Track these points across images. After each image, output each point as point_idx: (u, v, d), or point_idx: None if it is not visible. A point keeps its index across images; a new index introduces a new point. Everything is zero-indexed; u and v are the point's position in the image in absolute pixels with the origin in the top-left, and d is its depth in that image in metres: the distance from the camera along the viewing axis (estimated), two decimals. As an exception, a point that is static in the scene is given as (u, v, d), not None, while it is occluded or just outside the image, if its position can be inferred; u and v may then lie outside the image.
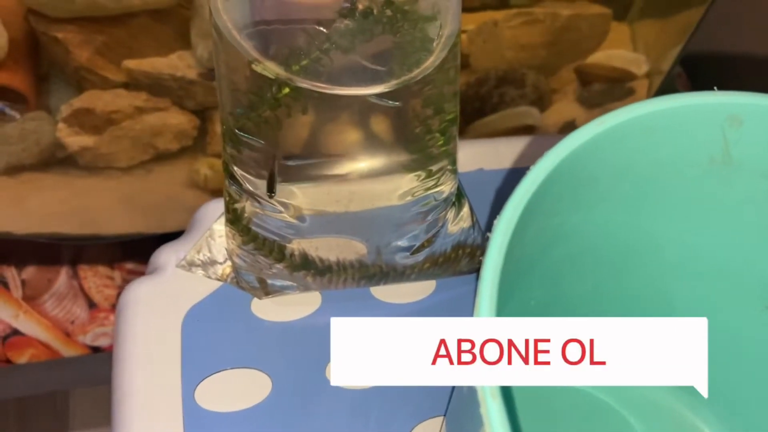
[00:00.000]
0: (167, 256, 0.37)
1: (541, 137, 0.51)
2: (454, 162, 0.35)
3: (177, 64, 0.63)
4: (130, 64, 0.62)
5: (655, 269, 0.33)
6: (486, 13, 0.68)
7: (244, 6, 0.33)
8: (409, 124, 0.34)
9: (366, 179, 0.34)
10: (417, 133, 0.33)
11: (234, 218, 0.35)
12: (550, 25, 0.68)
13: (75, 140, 0.64)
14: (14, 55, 0.62)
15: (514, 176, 0.41)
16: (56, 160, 0.66)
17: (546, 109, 0.72)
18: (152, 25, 0.62)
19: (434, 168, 0.34)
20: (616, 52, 0.74)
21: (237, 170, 0.34)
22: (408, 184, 0.34)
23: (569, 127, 0.73)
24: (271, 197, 0.34)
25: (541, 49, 0.70)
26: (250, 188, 0.34)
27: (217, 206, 0.39)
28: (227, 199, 0.36)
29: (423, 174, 0.34)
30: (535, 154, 0.43)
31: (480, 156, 0.38)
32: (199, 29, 0.62)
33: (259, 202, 0.34)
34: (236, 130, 0.33)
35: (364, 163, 0.34)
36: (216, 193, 0.67)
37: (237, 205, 0.35)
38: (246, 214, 0.35)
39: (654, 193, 0.31)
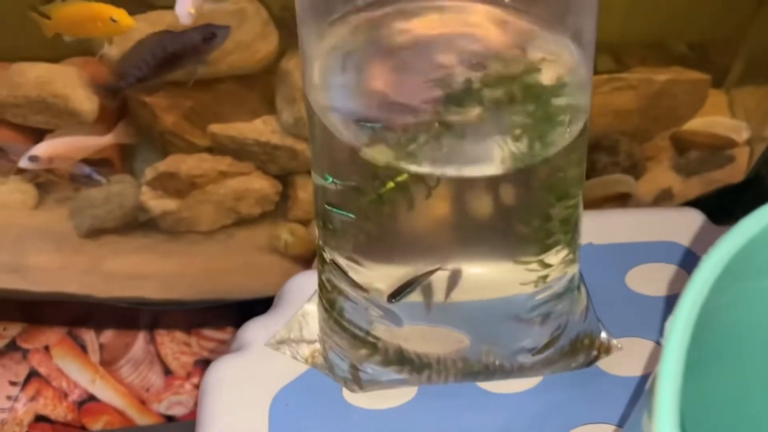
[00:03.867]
0: (254, 333, 0.35)
1: (653, 211, 0.48)
2: (575, 251, 0.33)
3: (261, 129, 0.62)
4: (215, 128, 0.62)
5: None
6: (576, 78, 0.66)
7: (345, 94, 0.31)
8: (527, 211, 0.31)
9: (474, 267, 0.31)
10: (535, 221, 0.31)
11: (328, 305, 0.33)
12: (645, 92, 0.66)
13: (158, 204, 0.64)
14: (103, 119, 0.63)
15: (626, 251, 0.38)
16: (138, 223, 0.66)
17: (640, 177, 0.69)
18: (238, 90, 0.62)
19: (552, 260, 0.31)
20: (715, 119, 0.71)
21: (336, 257, 0.32)
22: (522, 276, 0.31)
23: (665, 195, 0.69)
24: (390, 302, 0.32)
25: (635, 115, 0.67)
26: (353, 277, 0.32)
27: (305, 280, 0.37)
28: (320, 284, 0.34)
29: (539, 266, 0.31)
30: (646, 228, 0.40)
31: (588, 229, 0.36)
32: (284, 95, 0.61)
33: (357, 289, 0.32)
34: (337, 215, 0.31)
35: (473, 252, 0.31)
36: (297, 260, 0.66)
37: (330, 295, 0.33)
38: (337, 304, 0.33)
39: None
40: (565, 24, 0.31)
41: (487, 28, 0.31)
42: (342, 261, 0.32)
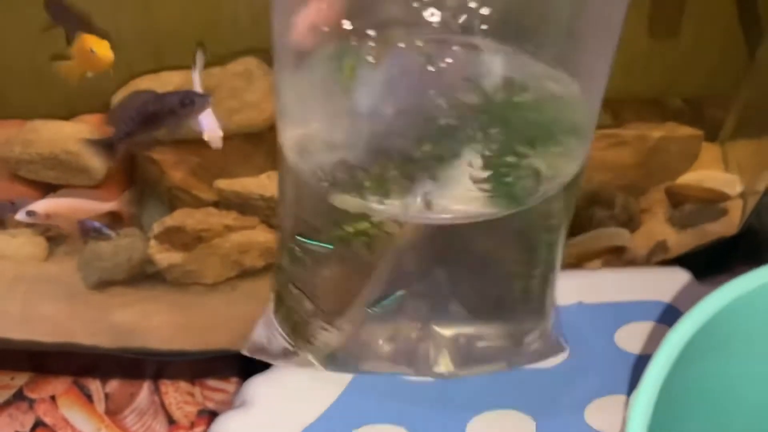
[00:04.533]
0: (257, 389, 0.37)
1: (641, 270, 0.49)
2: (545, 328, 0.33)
3: (266, 184, 0.64)
4: (222, 184, 0.64)
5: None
6: (572, 134, 0.67)
7: (324, 148, 0.31)
8: (500, 263, 0.31)
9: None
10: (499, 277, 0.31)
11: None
12: (639, 147, 0.68)
13: (165, 257, 0.65)
14: (112, 174, 0.65)
15: (614, 311, 0.40)
16: (145, 275, 0.67)
17: (636, 230, 0.71)
18: (245, 146, 0.64)
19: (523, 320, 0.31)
20: (708, 173, 0.72)
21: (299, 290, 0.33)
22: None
23: (660, 248, 0.71)
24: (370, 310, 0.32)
25: (630, 170, 0.69)
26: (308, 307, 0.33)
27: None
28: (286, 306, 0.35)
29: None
30: (635, 288, 0.41)
31: (578, 288, 0.37)
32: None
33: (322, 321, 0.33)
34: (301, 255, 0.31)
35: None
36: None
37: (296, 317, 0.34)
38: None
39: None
40: (569, 62, 0.29)
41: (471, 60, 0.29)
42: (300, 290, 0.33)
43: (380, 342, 0.34)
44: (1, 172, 0.65)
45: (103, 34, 0.55)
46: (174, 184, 0.64)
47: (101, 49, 0.55)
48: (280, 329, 0.36)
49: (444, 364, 0.34)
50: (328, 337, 0.34)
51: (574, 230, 0.69)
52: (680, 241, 0.71)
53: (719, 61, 0.73)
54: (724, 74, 0.73)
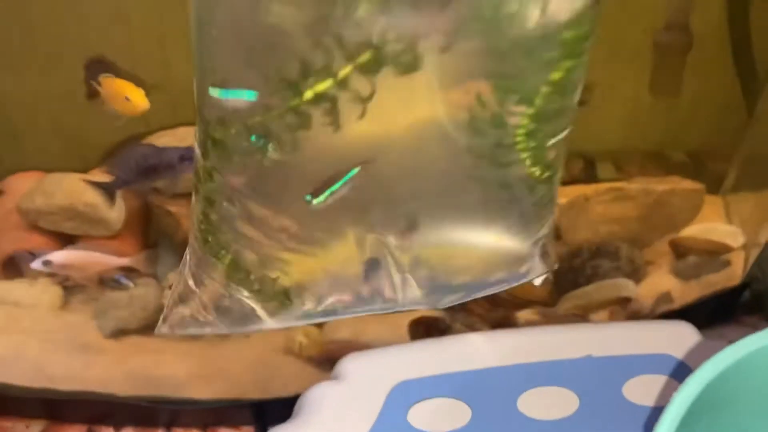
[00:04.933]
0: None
1: (649, 324, 0.51)
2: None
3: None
4: (236, 235, 0.65)
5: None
6: (577, 187, 0.69)
7: None
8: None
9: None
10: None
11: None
12: (643, 201, 0.69)
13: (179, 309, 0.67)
14: (129, 225, 0.66)
15: (622, 364, 0.41)
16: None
17: (641, 281, 0.72)
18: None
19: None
20: (711, 225, 0.74)
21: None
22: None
23: (665, 299, 0.72)
24: (311, 202, 0.30)
25: (634, 223, 0.70)
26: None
27: (326, 390, 0.40)
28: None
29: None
30: (641, 341, 0.43)
31: (587, 342, 0.38)
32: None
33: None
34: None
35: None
36: (312, 361, 0.68)
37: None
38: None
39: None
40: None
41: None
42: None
43: (338, 265, 0.32)
44: (21, 222, 0.66)
45: (138, 82, 0.57)
46: (188, 235, 0.66)
47: (137, 97, 0.57)
48: (201, 292, 0.35)
49: (415, 288, 0.33)
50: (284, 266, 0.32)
51: (579, 282, 0.71)
52: (685, 291, 0.73)
53: (720, 116, 0.75)
54: (725, 128, 0.75)
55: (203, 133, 0.33)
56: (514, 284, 0.37)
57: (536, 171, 0.32)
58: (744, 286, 0.73)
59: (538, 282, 0.37)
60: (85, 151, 0.66)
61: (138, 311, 0.67)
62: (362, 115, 0.28)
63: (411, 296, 0.34)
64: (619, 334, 0.43)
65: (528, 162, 0.32)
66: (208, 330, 0.36)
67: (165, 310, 0.37)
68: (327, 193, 0.30)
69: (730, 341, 0.31)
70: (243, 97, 0.29)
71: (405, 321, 0.66)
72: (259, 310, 0.36)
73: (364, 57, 0.26)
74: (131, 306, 0.67)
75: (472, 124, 0.29)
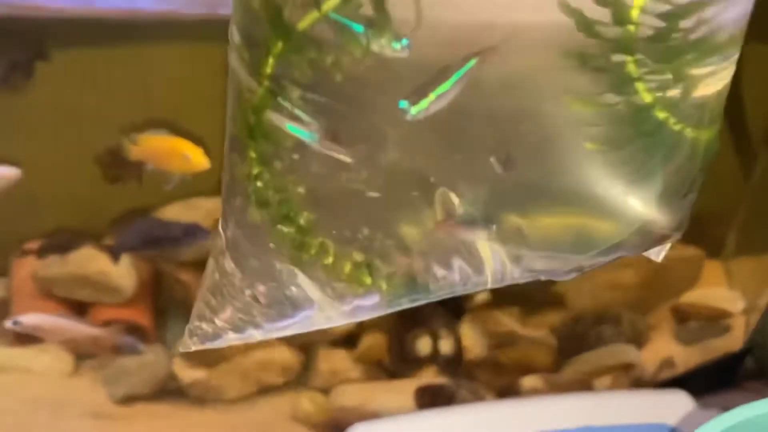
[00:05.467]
0: None
1: (646, 393, 0.52)
2: None
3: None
4: (244, 303, 0.67)
5: None
6: (579, 254, 0.70)
7: None
8: None
9: None
10: None
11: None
12: (644, 268, 0.70)
13: (188, 373, 0.68)
14: (140, 293, 0.68)
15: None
16: (168, 390, 0.69)
17: (643, 346, 0.73)
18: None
19: None
20: (712, 291, 0.75)
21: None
22: None
23: (667, 364, 0.73)
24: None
25: (636, 289, 0.71)
26: None
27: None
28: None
29: None
30: (640, 411, 0.44)
31: (587, 412, 0.39)
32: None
33: None
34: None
35: None
36: (318, 427, 0.69)
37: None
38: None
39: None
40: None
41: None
42: None
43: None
44: (36, 290, 0.68)
45: (196, 140, 0.58)
46: (199, 303, 0.67)
47: (196, 156, 0.57)
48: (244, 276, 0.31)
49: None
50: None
51: (583, 348, 0.71)
52: (687, 357, 0.73)
53: (718, 181, 0.76)
54: (723, 193, 0.76)
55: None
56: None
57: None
58: (746, 351, 0.74)
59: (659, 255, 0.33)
60: (100, 221, 0.68)
61: (147, 378, 0.68)
62: None
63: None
64: (617, 403, 0.44)
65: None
66: (248, 332, 0.32)
67: (191, 318, 0.34)
68: (432, 96, 0.24)
69: (725, 408, 0.32)
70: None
71: (411, 387, 0.67)
72: (318, 294, 0.31)
73: None
74: (141, 373, 0.68)
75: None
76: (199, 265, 0.67)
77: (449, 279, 0.29)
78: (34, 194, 0.66)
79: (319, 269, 0.31)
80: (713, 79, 0.31)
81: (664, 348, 0.73)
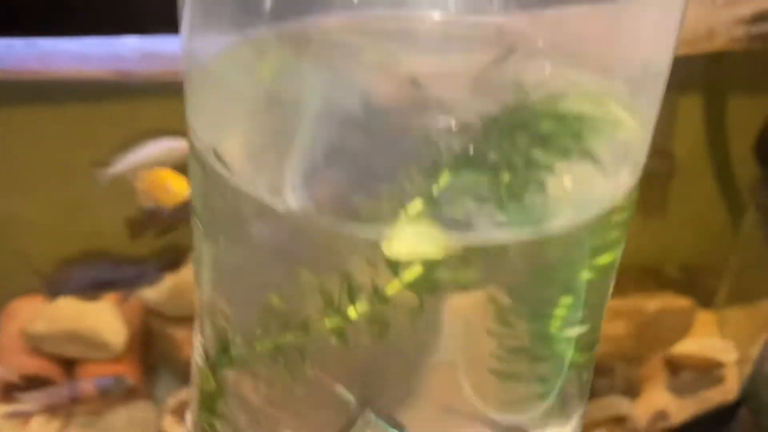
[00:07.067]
0: None
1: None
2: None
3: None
4: (235, 358, 0.66)
5: None
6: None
7: None
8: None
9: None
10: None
11: None
12: (636, 320, 0.70)
13: (178, 430, 0.67)
14: (129, 348, 0.67)
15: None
16: (157, 447, 0.68)
17: (636, 398, 0.72)
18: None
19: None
20: (704, 341, 0.75)
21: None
22: None
23: (661, 417, 0.72)
24: None
25: (628, 340, 0.71)
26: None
27: None
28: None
29: None
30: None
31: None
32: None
33: None
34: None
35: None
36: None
37: None
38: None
39: None
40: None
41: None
42: None
43: None
44: (24, 346, 0.68)
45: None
46: (188, 359, 0.67)
47: (176, 185, 0.57)
48: None
49: None
50: None
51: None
52: (680, 408, 0.73)
53: (708, 233, 0.77)
54: (713, 244, 0.77)
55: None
56: None
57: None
58: (741, 401, 0.74)
59: None
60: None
61: (136, 435, 0.68)
62: None
63: None
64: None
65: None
66: None
67: None
68: None
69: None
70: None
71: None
72: None
73: None
74: (130, 429, 0.68)
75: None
76: (189, 321, 0.68)
77: None
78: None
79: None
80: None
81: (658, 399, 0.73)
